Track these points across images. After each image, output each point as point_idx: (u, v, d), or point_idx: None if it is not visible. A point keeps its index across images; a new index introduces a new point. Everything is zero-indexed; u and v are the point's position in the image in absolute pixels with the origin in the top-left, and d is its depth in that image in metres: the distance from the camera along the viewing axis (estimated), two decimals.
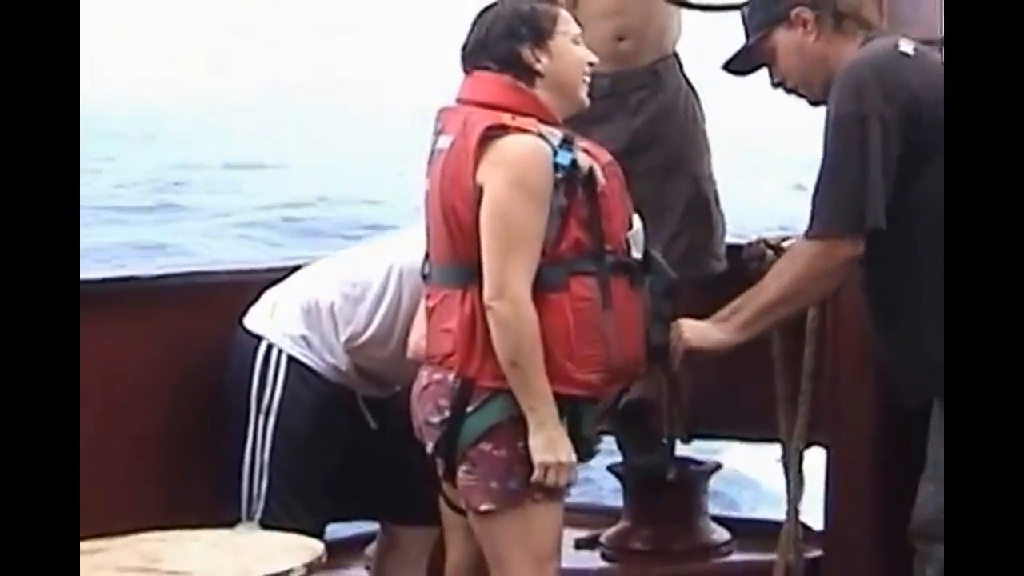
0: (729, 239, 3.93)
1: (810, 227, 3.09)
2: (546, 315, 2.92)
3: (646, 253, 3.09)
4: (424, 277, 3.16)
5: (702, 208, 3.84)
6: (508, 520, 3.04)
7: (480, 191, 2.95)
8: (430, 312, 3.11)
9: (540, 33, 3.03)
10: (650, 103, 3.80)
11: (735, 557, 4.03)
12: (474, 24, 3.15)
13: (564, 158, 2.94)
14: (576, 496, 3.38)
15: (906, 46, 3.09)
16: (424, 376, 3.08)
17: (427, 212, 3.12)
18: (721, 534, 4.06)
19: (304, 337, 3.36)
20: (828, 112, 3.09)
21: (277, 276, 3.54)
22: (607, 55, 3.53)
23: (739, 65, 3.30)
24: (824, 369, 3.65)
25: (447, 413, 3.02)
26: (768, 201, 12.65)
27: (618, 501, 4.17)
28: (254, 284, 3.52)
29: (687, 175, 3.82)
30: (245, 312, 3.40)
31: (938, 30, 3.75)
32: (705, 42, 4.11)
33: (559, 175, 2.93)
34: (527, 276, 2.92)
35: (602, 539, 4.02)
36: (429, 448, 3.12)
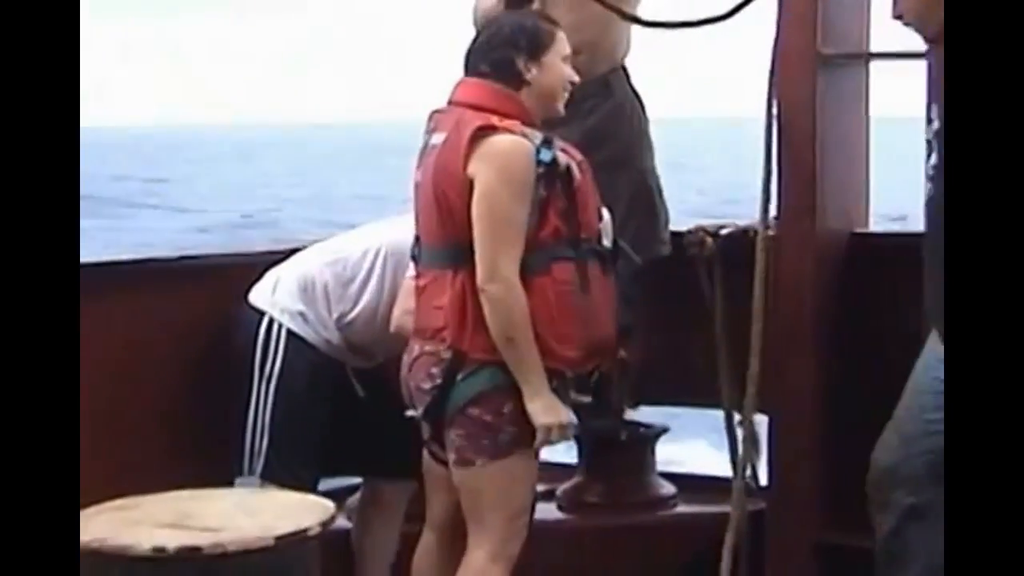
0: (672, 227, 4.13)
1: None
2: (531, 297, 3.12)
3: (615, 242, 3.29)
4: (413, 259, 3.33)
5: (647, 199, 4.06)
6: (492, 474, 3.21)
7: (471, 182, 3.12)
8: (421, 290, 3.28)
9: (536, 47, 3.27)
10: (601, 108, 4.03)
11: (680, 509, 4.22)
12: (481, 31, 3.37)
13: (545, 155, 3.15)
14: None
15: None
16: (416, 348, 3.25)
17: (418, 200, 3.30)
18: (668, 488, 4.24)
19: (301, 313, 3.58)
20: None
21: (278, 258, 3.74)
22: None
23: None
24: (768, 345, 3.78)
25: (439, 380, 3.20)
26: None
27: (573, 459, 4.31)
28: (259, 264, 3.73)
29: (634, 169, 4.04)
30: (250, 289, 3.60)
31: (864, 45, 4.03)
32: None
33: (540, 170, 3.14)
34: (515, 260, 3.12)
35: (558, 493, 4.20)
36: (419, 411, 3.27)
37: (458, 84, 3.34)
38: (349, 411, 3.65)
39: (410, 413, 3.30)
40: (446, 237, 3.20)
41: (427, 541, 3.46)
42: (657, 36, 4.12)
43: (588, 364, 3.28)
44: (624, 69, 4.16)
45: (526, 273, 3.15)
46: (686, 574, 4.02)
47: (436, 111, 3.33)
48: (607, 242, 3.29)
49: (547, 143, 3.19)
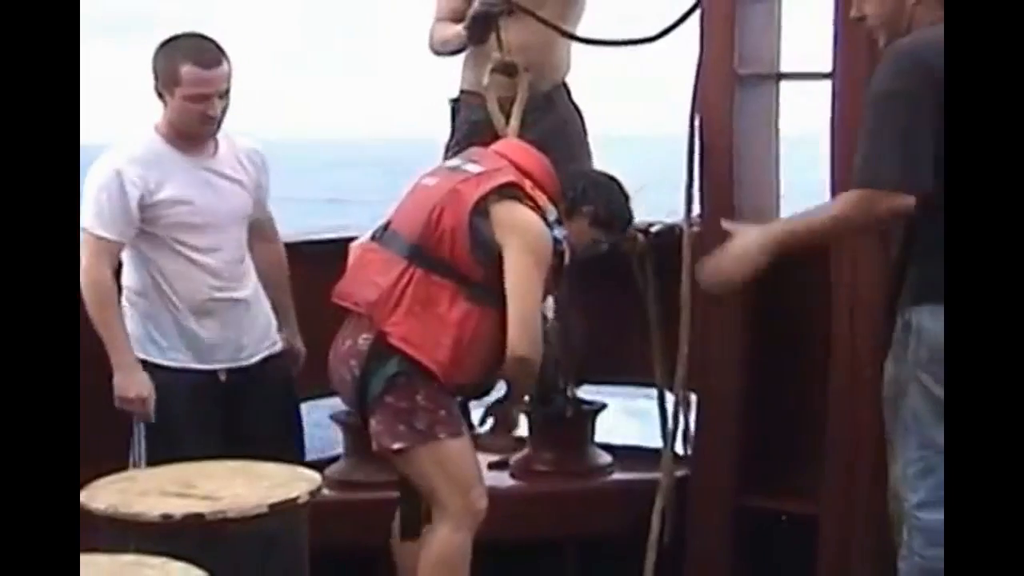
0: None
1: (862, 179, 3.03)
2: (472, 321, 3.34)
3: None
4: (373, 237, 3.45)
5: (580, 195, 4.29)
6: (423, 458, 3.33)
7: (487, 232, 3.30)
8: (364, 261, 3.40)
9: (599, 220, 3.58)
10: (544, 120, 4.21)
11: (616, 476, 4.38)
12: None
13: (558, 234, 3.41)
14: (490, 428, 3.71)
15: None
16: (339, 339, 3.39)
17: (414, 195, 3.43)
18: (605, 458, 4.40)
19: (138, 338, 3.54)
20: (873, 82, 3.06)
21: None
22: (513, 83, 4.07)
23: None
24: (694, 329, 4.01)
25: (356, 372, 3.33)
26: None
27: (524, 432, 4.41)
28: None
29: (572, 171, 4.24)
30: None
31: (776, 66, 4.23)
32: None
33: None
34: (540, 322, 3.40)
35: (511, 462, 4.36)
36: (346, 404, 3.48)
37: (512, 143, 3.63)
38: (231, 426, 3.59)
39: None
40: (420, 237, 3.32)
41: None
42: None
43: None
44: (565, 85, 4.38)
45: (476, 302, 3.31)
46: (622, 533, 4.15)
47: (479, 150, 3.54)
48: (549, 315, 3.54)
49: (558, 223, 3.42)
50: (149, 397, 3.45)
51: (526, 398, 3.49)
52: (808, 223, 3.18)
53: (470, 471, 3.42)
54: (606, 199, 3.63)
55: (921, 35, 3.05)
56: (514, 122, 4.01)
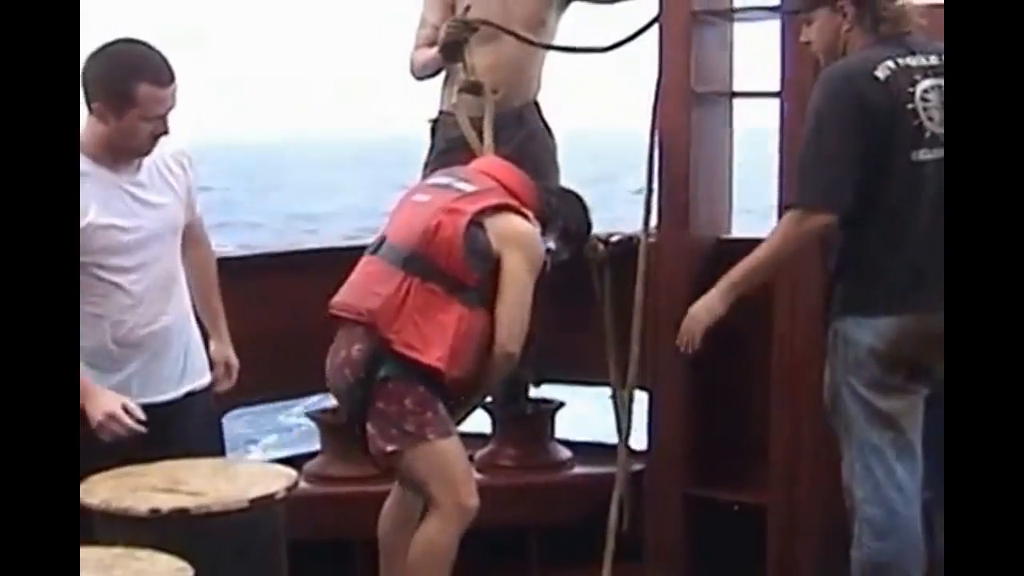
0: None
1: (793, 197, 3.30)
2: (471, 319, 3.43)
3: None
4: (370, 251, 3.52)
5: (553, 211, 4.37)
6: (415, 458, 3.39)
7: (484, 247, 3.41)
8: (366, 273, 3.46)
9: (565, 233, 3.71)
10: (516, 136, 4.36)
11: (576, 470, 4.50)
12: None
13: (549, 244, 3.58)
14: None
15: (882, 72, 3.18)
16: (333, 351, 3.45)
17: (406, 209, 3.52)
18: (564, 453, 4.53)
19: None
20: (809, 103, 3.27)
21: None
22: (481, 102, 4.18)
23: (788, 7, 3.65)
24: (647, 333, 4.11)
25: (351, 380, 3.41)
26: None
27: (488, 430, 4.58)
28: None
29: (543, 188, 4.28)
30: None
31: (729, 85, 4.33)
32: None
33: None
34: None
35: (476, 457, 4.42)
36: (344, 412, 3.50)
37: (496, 162, 3.69)
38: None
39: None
40: (416, 247, 3.42)
41: (396, 492, 3.62)
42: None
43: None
44: (537, 103, 4.51)
45: (468, 305, 3.41)
46: (582, 523, 4.24)
47: (471, 167, 3.63)
48: None
49: (543, 234, 3.55)
50: (118, 412, 3.10)
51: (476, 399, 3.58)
52: (752, 259, 3.33)
53: (460, 469, 3.47)
54: (574, 214, 3.76)
55: (852, 59, 3.25)
56: (488, 140, 4.12)
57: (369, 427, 3.43)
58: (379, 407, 3.39)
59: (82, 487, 2.91)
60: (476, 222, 3.43)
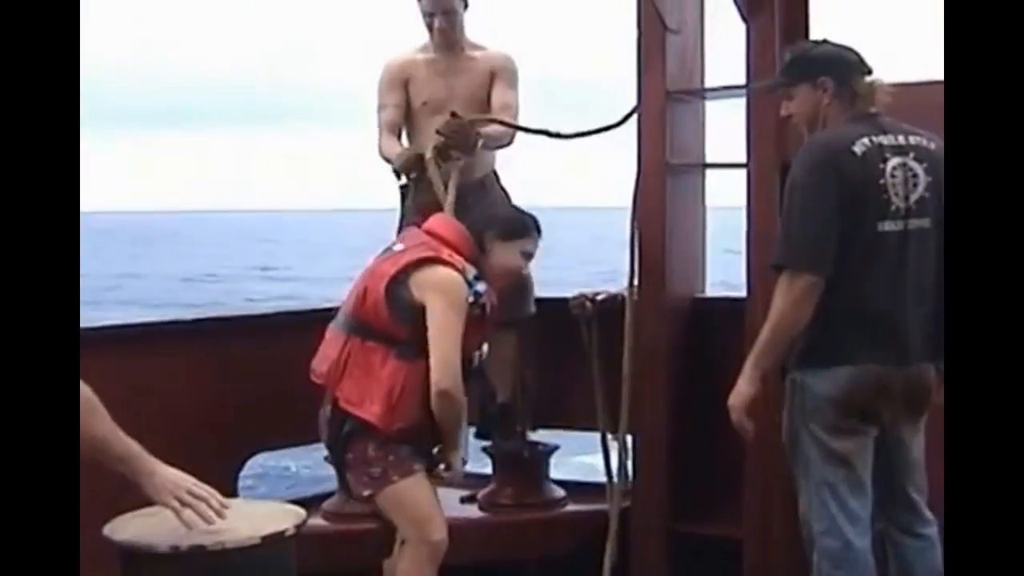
0: (559, 293, 4.50)
1: (777, 258, 3.27)
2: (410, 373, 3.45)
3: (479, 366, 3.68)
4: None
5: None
6: (386, 499, 3.51)
7: (409, 300, 3.41)
8: (326, 341, 3.57)
9: (506, 234, 3.64)
10: (480, 203, 4.35)
11: (568, 508, 4.54)
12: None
13: (478, 288, 3.50)
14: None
15: (858, 148, 3.25)
16: (321, 411, 3.56)
17: (358, 275, 3.59)
18: (559, 492, 4.59)
19: None
20: (790, 173, 3.29)
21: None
22: (447, 168, 4.15)
23: (764, 89, 3.71)
24: (632, 382, 4.16)
25: (325, 437, 3.56)
26: None
27: (489, 470, 4.67)
28: None
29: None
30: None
31: (702, 157, 4.43)
32: None
33: (471, 298, 3.48)
34: (459, 364, 3.43)
35: (478, 497, 4.54)
36: (333, 465, 3.60)
37: (435, 216, 3.70)
38: None
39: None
40: (354, 311, 3.53)
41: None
42: None
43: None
44: (495, 173, 4.57)
45: (404, 359, 3.42)
46: (574, 555, 4.29)
47: (407, 230, 3.70)
48: (476, 363, 3.59)
49: (477, 279, 3.50)
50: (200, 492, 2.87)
51: (461, 441, 3.58)
52: (764, 332, 3.31)
53: (424, 506, 3.53)
54: (499, 214, 3.77)
55: (831, 133, 3.32)
56: (450, 197, 4.08)
57: (348, 475, 3.59)
58: (349, 458, 3.54)
59: (110, 525, 3.02)
60: (398, 280, 3.46)
